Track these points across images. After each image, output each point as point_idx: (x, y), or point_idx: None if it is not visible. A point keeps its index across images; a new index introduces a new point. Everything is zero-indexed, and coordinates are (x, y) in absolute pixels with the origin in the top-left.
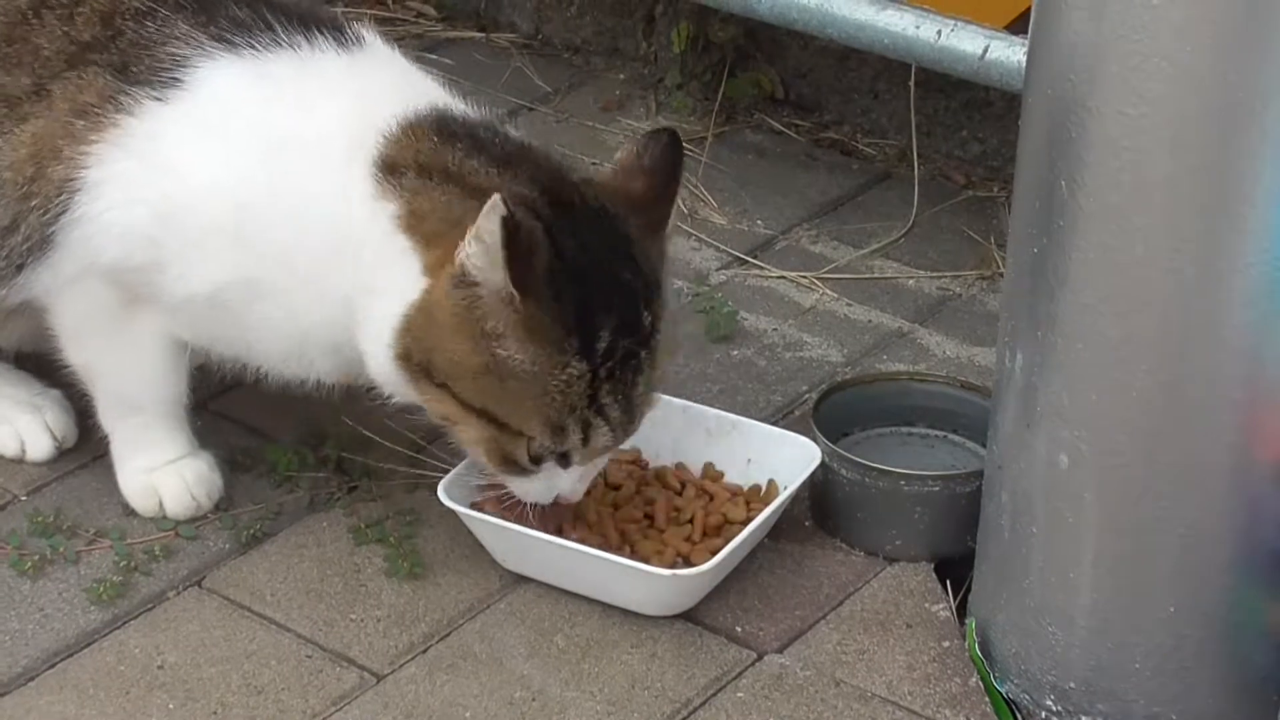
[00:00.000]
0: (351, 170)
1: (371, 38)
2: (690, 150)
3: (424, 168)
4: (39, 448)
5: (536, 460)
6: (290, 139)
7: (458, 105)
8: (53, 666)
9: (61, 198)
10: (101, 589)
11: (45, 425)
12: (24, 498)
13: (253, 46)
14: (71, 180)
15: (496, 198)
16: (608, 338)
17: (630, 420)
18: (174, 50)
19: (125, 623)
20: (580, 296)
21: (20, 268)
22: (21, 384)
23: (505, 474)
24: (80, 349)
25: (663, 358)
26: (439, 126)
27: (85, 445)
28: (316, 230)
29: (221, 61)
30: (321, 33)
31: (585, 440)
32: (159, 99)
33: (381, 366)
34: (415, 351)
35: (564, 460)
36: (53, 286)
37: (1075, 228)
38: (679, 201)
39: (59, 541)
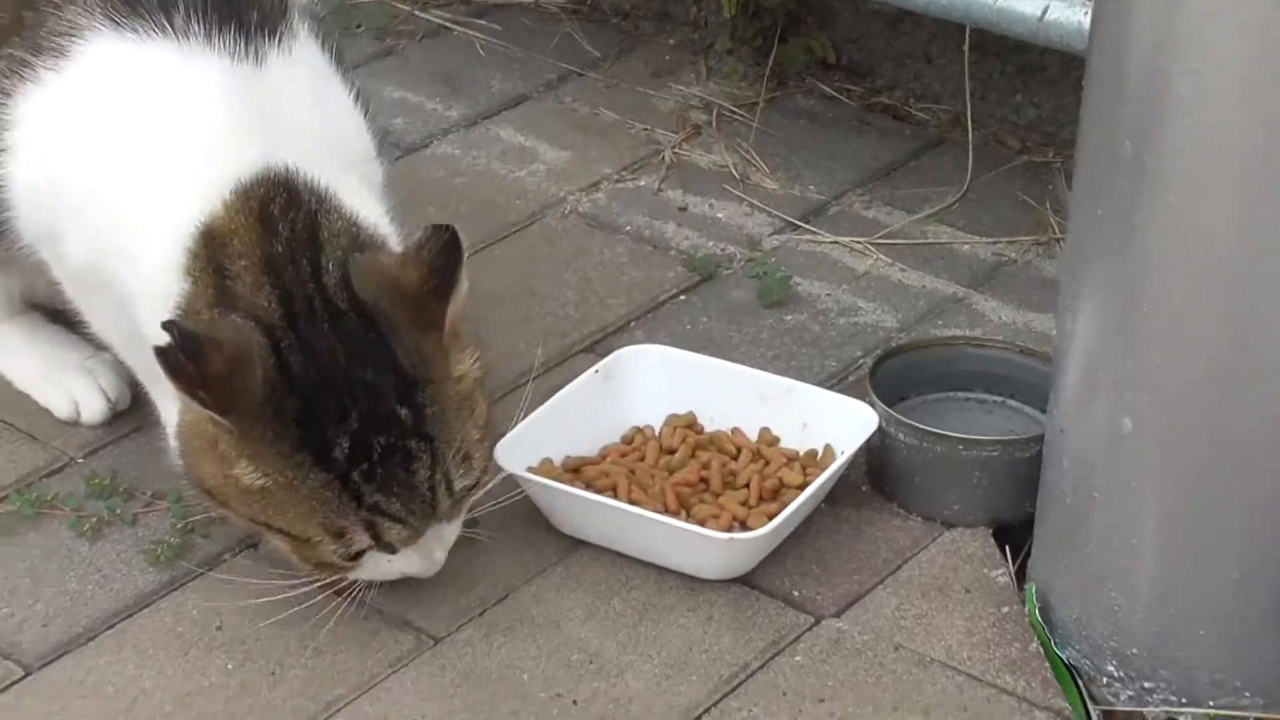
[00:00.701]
0: (173, 225)
1: (300, 47)
2: (741, 116)
3: (219, 255)
4: (93, 410)
5: (352, 558)
6: (133, 146)
7: (327, 145)
8: (112, 627)
9: None
10: (159, 550)
11: (98, 387)
12: (80, 460)
13: (137, 28)
14: None
15: (162, 324)
16: (347, 442)
17: (426, 506)
18: (72, 19)
19: (183, 584)
20: (304, 408)
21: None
22: (73, 347)
23: (333, 574)
24: (85, 318)
25: (461, 434)
26: (265, 201)
27: (139, 408)
28: (125, 262)
29: (103, 37)
30: (235, 29)
31: (376, 537)
32: (52, 69)
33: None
34: (187, 472)
35: (387, 549)
36: (38, 252)
37: (1141, 189)
38: (731, 169)
39: (116, 504)
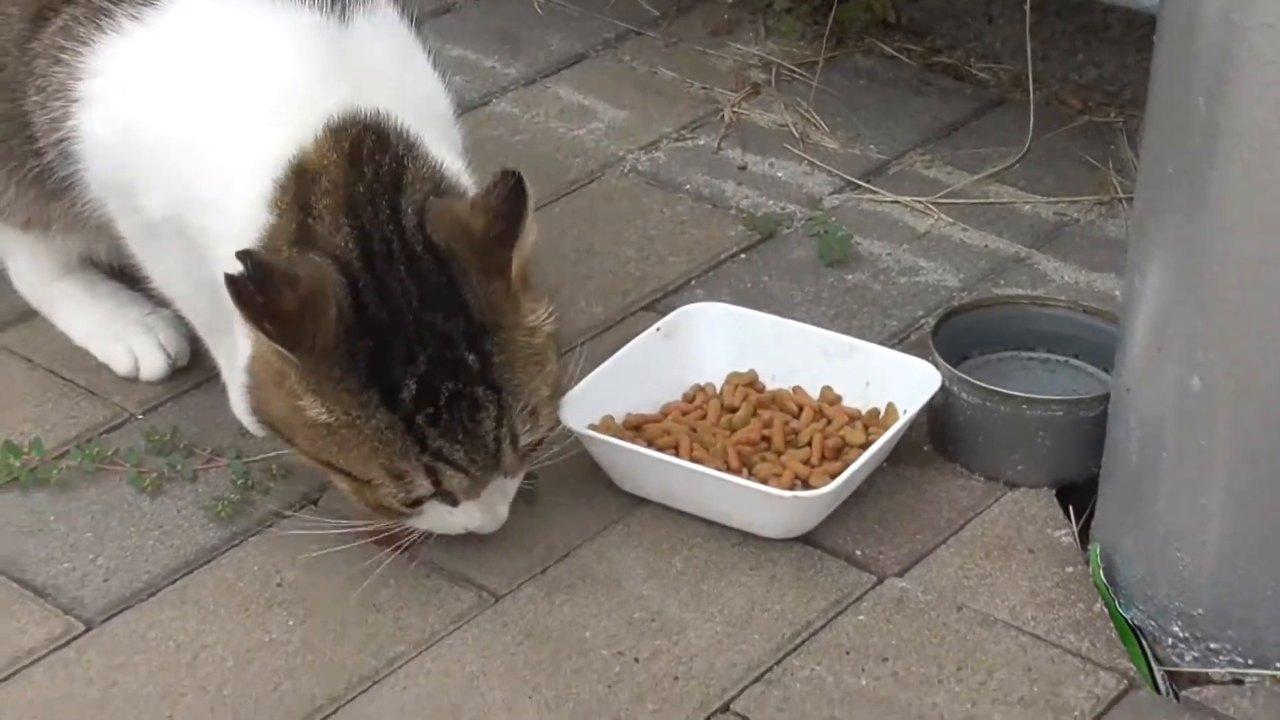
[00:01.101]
0: (261, 160)
1: (381, 10)
2: (800, 75)
3: (306, 192)
4: (153, 365)
5: (412, 504)
6: (223, 92)
7: (411, 99)
8: (173, 583)
9: (60, 104)
10: (220, 507)
11: (158, 343)
12: (140, 416)
13: None
14: (67, 89)
15: (237, 253)
16: (414, 384)
17: (490, 457)
18: None
19: (244, 540)
20: (375, 348)
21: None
22: (133, 303)
23: (391, 519)
24: (148, 272)
25: (529, 387)
26: (356, 142)
27: (199, 364)
28: (220, 200)
29: None
30: None
31: (437, 484)
32: (136, 18)
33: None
34: (255, 405)
35: (448, 500)
36: (104, 206)
37: (1214, 146)
38: (791, 128)
39: (176, 460)
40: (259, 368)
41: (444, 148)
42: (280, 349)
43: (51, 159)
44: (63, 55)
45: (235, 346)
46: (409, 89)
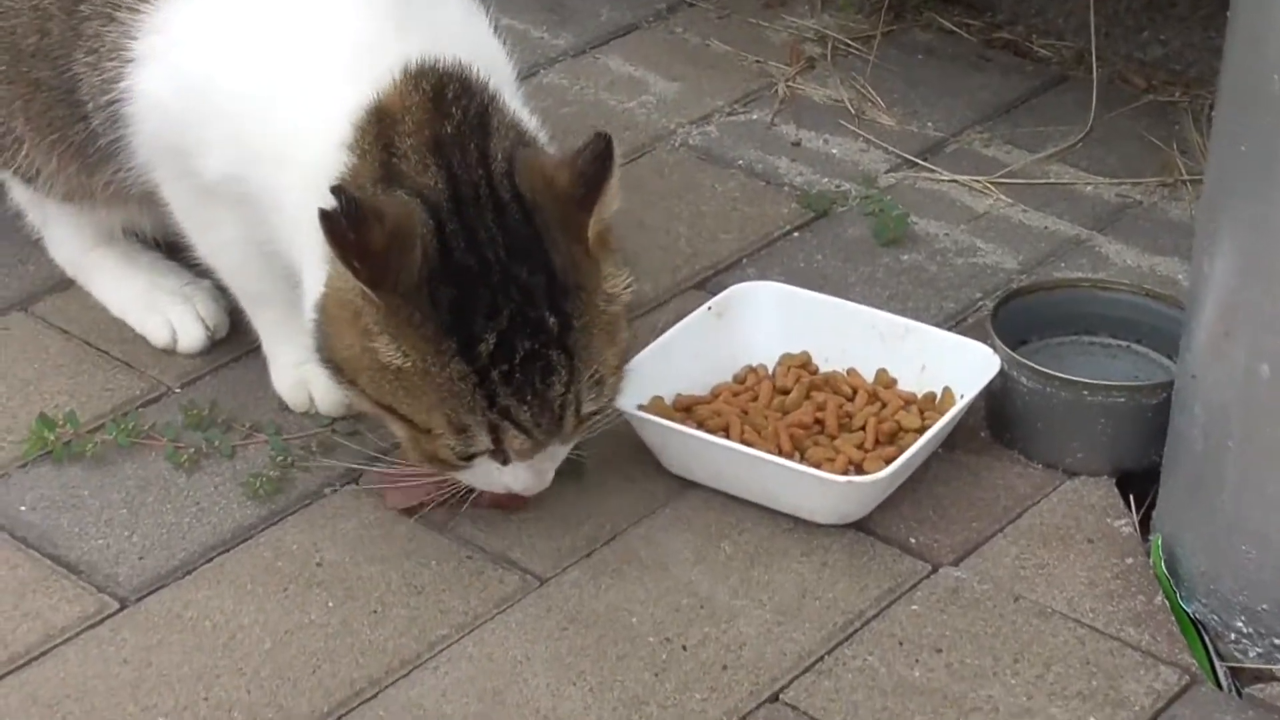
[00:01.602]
0: (335, 106)
1: None
2: (857, 49)
3: (389, 132)
4: (191, 337)
5: (465, 458)
6: (290, 44)
7: (480, 58)
8: (210, 561)
9: (113, 64)
10: (258, 484)
11: (197, 315)
12: (178, 390)
13: None
14: (122, 49)
15: (330, 187)
16: (494, 339)
17: (554, 422)
18: None
19: (282, 519)
20: (460, 296)
21: (108, 155)
22: (172, 273)
23: (442, 470)
24: (193, 242)
25: (600, 356)
26: (439, 86)
27: (238, 337)
28: (288, 152)
29: None
30: None
31: (498, 442)
32: None
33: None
34: (322, 343)
35: (499, 458)
36: (152, 172)
37: None
38: (846, 103)
39: (214, 435)
40: (332, 304)
41: (518, 105)
42: (365, 288)
43: (98, 124)
44: (117, 14)
45: (279, 318)
46: (480, 49)
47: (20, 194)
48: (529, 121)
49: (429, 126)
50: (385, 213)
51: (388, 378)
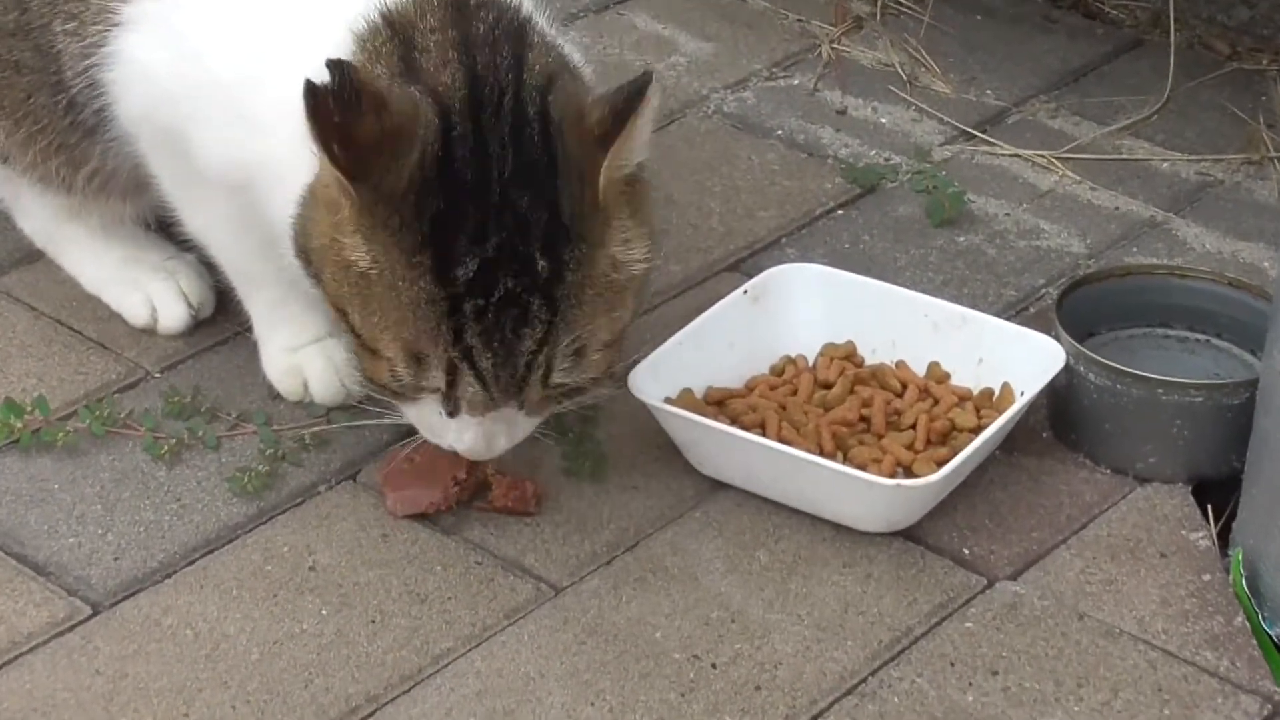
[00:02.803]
0: (339, 14)
1: None
2: (909, 8)
3: (407, 29)
4: (172, 316)
5: (412, 391)
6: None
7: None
8: (192, 563)
9: (98, 28)
10: (246, 479)
11: (179, 291)
12: (158, 375)
13: None
14: (109, 11)
15: (327, 62)
16: (475, 266)
17: (514, 381)
18: None
19: (272, 517)
20: (446, 211)
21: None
22: (153, 247)
23: (384, 395)
24: (183, 218)
25: (588, 323)
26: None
27: (225, 317)
28: (270, 134)
29: None
30: None
31: (452, 384)
32: None
33: (285, 240)
34: (300, 228)
35: (448, 405)
36: (137, 144)
37: None
38: (897, 68)
39: (198, 425)
40: (319, 189)
41: (563, 41)
42: (341, 177)
43: (79, 94)
44: None
45: (274, 299)
46: None
47: None
48: (574, 55)
49: (455, 26)
50: (389, 104)
51: (350, 280)
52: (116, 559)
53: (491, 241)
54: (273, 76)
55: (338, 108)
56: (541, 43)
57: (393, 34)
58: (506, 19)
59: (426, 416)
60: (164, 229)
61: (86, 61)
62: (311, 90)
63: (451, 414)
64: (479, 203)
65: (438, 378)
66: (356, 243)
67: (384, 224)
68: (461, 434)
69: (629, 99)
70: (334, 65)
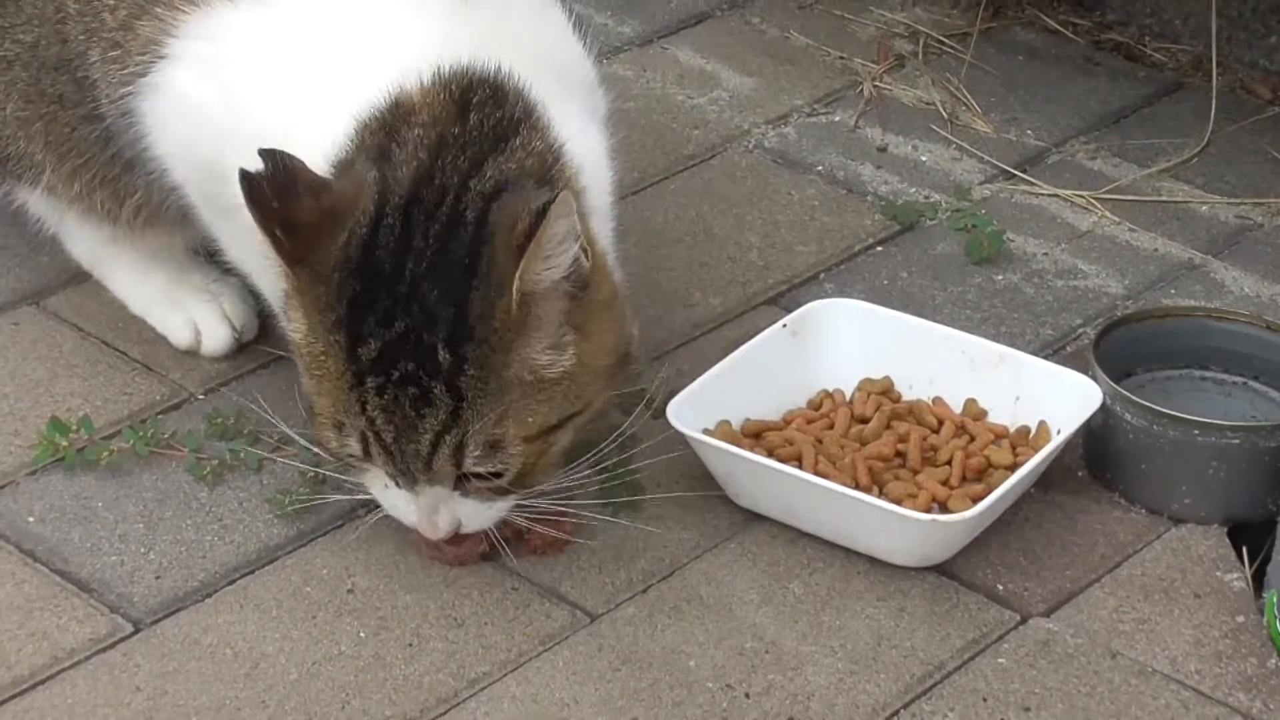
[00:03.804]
0: (350, 99)
1: None
2: (951, 47)
3: (399, 123)
4: (216, 338)
5: (354, 458)
6: (325, 55)
7: (543, 75)
8: (232, 583)
9: (144, 59)
10: (287, 501)
11: (222, 313)
12: (201, 396)
13: None
14: (156, 44)
15: (259, 150)
16: (377, 347)
17: (419, 459)
18: None
19: (312, 540)
20: (361, 294)
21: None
22: (196, 269)
23: (339, 464)
24: (223, 245)
25: (499, 419)
26: (465, 91)
27: (267, 341)
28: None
29: None
30: None
31: (367, 454)
32: None
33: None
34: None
35: (385, 477)
36: (173, 175)
37: None
38: (938, 106)
39: (240, 446)
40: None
41: (583, 122)
42: (280, 259)
43: (113, 122)
44: (154, 8)
45: None
46: (545, 55)
47: (37, 204)
48: (583, 146)
49: (444, 124)
50: (327, 186)
51: (300, 351)
52: (158, 577)
53: (396, 327)
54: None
55: (273, 193)
56: (522, 147)
57: (382, 125)
58: (498, 118)
59: (376, 488)
60: (210, 255)
61: (124, 89)
62: (245, 177)
63: (396, 485)
64: (391, 290)
65: (355, 446)
66: (298, 318)
67: (315, 302)
68: (406, 507)
69: (536, 215)
70: (265, 154)
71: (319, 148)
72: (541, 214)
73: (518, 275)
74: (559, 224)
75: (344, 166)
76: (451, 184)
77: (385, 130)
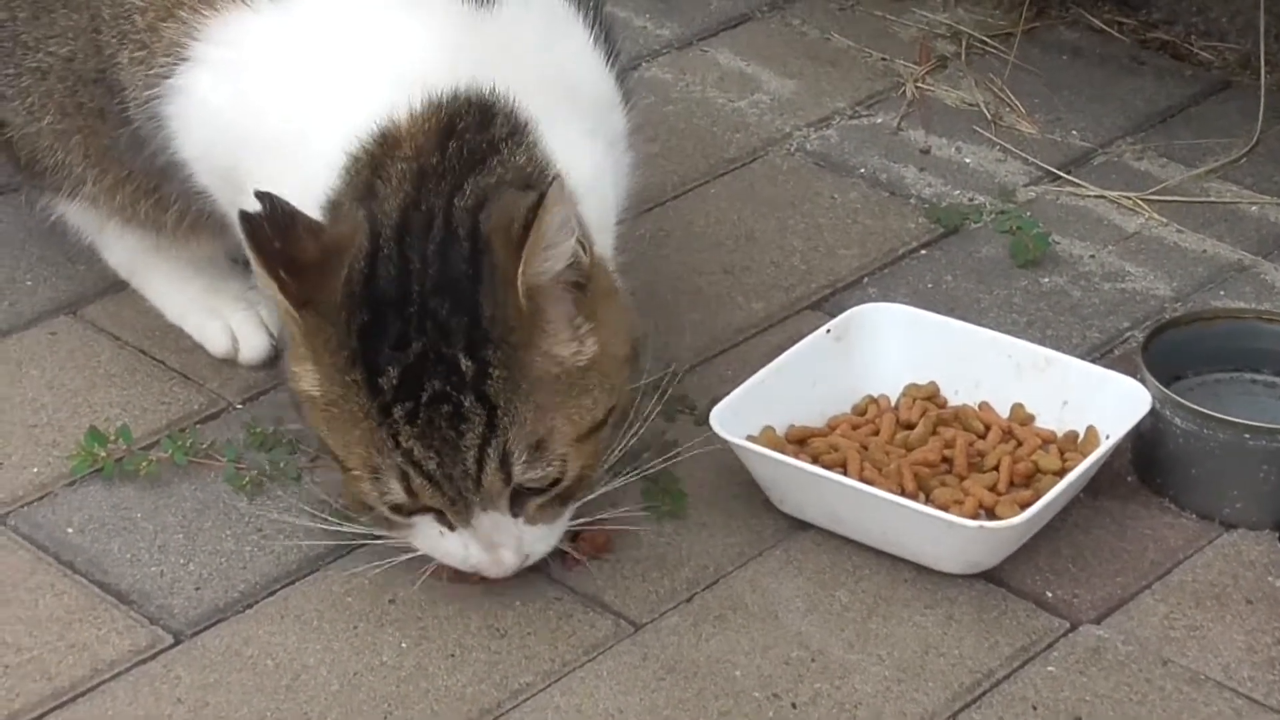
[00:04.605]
0: (342, 131)
1: None
2: (994, 47)
3: (385, 156)
4: (253, 347)
5: (395, 510)
6: (331, 76)
7: (547, 95)
8: (272, 594)
9: (167, 60)
10: (327, 511)
11: (260, 321)
12: (239, 406)
13: None
14: (180, 46)
15: (255, 191)
16: (397, 373)
17: (468, 477)
18: None
19: (353, 550)
20: (370, 323)
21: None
22: (234, 276)
23: (381, 525)
24: None
25: (537, 415)
26: (453, 118)
27: None
28: (295, 173)
29: None
30: None
31: (410, 492)
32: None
33: None
34: (287, 369)
35: (443, 519)
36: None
37: None
38: (982, 107)
39: (279, 456)
40: (286, 320)
41: (582, 145)
42: (287, 303)
43: (141, 126)
44: (179, 10)
45: None
46: (552, 73)
47: (76, 214)
48: (578, 164)
49: (424, 155)
50: (324, 228)
51: (316, 408)
52: (198, 588)
53: (413, 348)
54: (319, 134)
55: (275, 234)
56: (503, 163)
57: (369, 159)
58: (478, 144)
59: (430, 539)
60: (248, 263)
61: (149, 92)
62: (246, 219)
63: (450, 529)
64: (399, 313)
65: (397, 488)
66: (307, 369)
67: (325, 345)
68: (466, 549)
69: (532, 206)
70: (263, 196)
71: (329, 157)
72: (537, 204)
73: (521, 270)
74: (555, 211)
75: (334, 206)
76: (438, 206)
77: (372, 166)
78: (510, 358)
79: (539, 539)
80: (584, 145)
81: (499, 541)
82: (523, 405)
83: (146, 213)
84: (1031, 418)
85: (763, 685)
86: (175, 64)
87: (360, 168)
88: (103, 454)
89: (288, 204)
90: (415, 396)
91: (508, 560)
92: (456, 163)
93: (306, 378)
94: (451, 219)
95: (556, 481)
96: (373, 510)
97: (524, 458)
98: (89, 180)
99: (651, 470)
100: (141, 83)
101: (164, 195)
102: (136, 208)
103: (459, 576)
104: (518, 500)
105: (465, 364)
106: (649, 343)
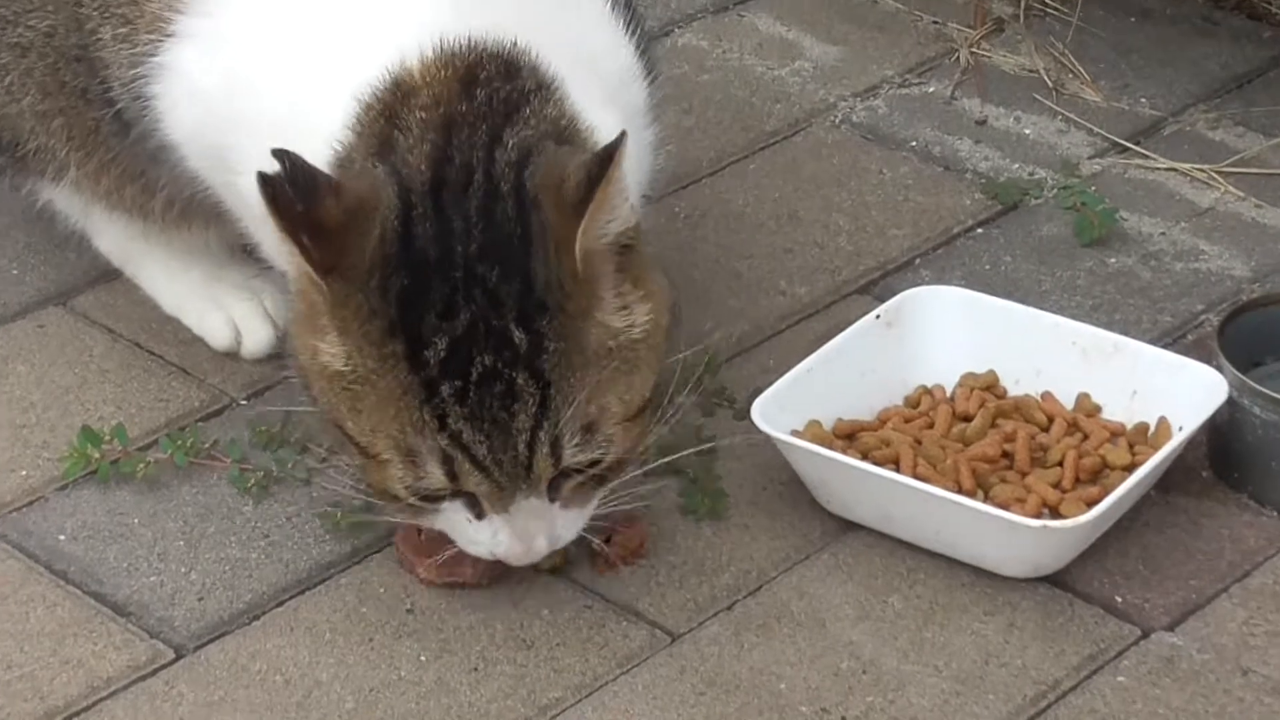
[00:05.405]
0: (348, 79)
1: None
2: (1055, 9)
3: (398, 106)
4: (257, 338)
5: (425, 499)
6: (327, 29)
7: (563, 57)
8: (281, 604)
9: (151, 37)
10: (339, 515)
11: (264, 312)
12: (243, 402)
13: None
14: (163, 21)
15: (273, 150)
16: (445, 345)
17: (517, 463)
18: None
19: (367, 557)
20: (411, 289)
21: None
22: (235, 266)
23: (402, 512)
24: (257, 240)
25: (591, 393)
26: (473, 65)
27: None
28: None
29: None
30: None
31: (453, 477)
32: None
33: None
34: (291, 346)
35: (473, 508)
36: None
37: None
38: (1042, 74)
39: (287, 456)
40: (297, 298)
41: (596, 101)
42: (310, 270)
43: (126, 107)
44: None
45: None
46: (569, 40)
47: (62, 199)
48: (596, 120)
49: (446, 104)
50: (343, 186)
51: (335, 386)
52: (201, 599)
53: (461, 318)
54: (316, 108)
55: (297, 195)
56: (535, 115)
57: (382, 109)
58: (506, 94)
59: (456, 525)
60: (250, 250)
61: (134, 71)
62: (265, 180)
63: (479, 516)
64: (444, 280)
65: (436, 474)
66: (333, 341)
67: (355, 313)
68: (496, 536)
69: (599, 165)
70: (280, 154)
71: (324, 131)
72: (605, 162)
73: (580, 233)
74: (621, 174)
75: (348, 160)
76: (477, 160)
77: (386, 116)
78: (565, 329)
79: (569, 524)
80: (601, 113)
81: (534, 530)
82: (576, 383)
83: (133, 199)
84: (1098, 408)
85: (810, 699)
86: (160, 40)
87: (373, 118)
88: (97, 455)
89: (307, 163)
90: (464, 374)
91: (541, 548)
92: (488, 111)
93: (329, 351)
94: (493, 174)
95: (596, 462)
96: (397, 499)
97: (575, 440)
98: (72, 165)
99: (689, 469)
100: (126, 61)
101: (150, 180)
102: (122, 193)
103: (449, 574)
104: (554, 483)
105: (518, 336)
106: (680, 312)
